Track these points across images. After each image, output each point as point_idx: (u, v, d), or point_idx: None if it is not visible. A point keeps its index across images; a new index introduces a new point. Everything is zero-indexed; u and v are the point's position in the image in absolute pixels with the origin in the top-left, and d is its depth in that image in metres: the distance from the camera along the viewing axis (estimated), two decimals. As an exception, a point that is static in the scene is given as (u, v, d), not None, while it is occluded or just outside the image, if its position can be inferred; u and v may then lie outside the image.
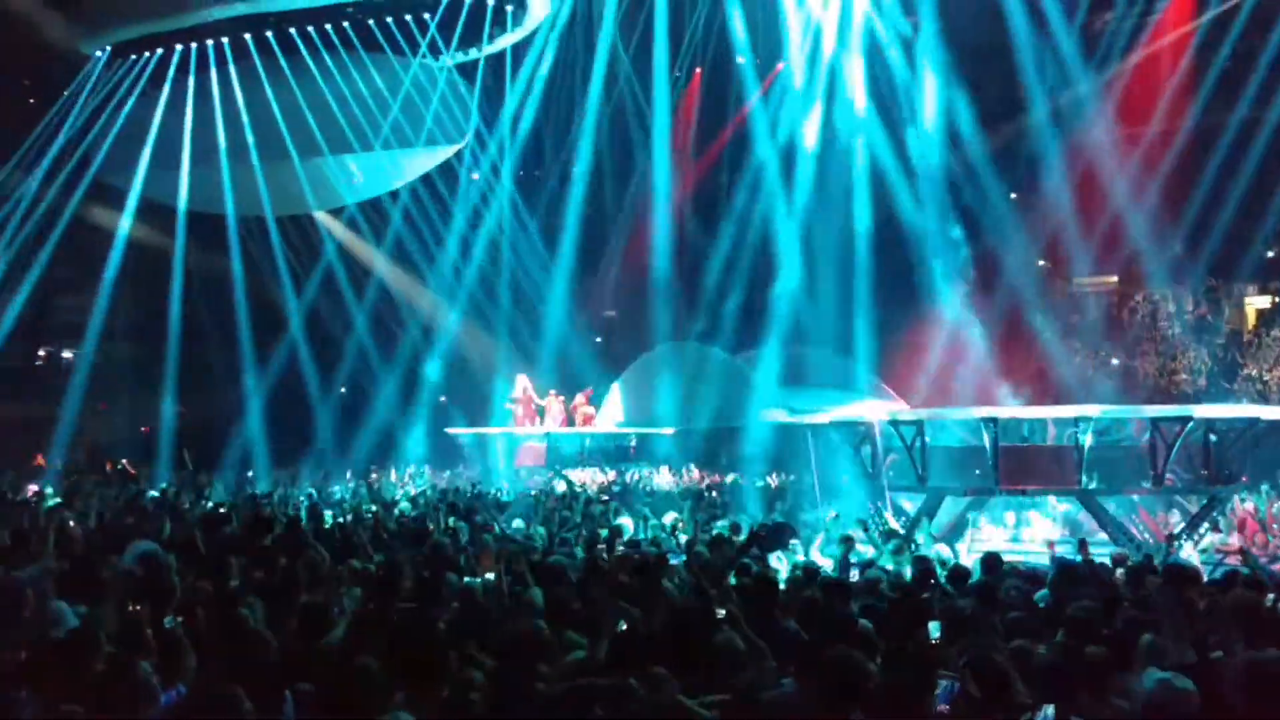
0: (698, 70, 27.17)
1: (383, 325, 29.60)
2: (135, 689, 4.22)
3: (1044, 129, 23.01)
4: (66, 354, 29.06)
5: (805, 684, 4.53)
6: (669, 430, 24.95)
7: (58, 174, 27.60)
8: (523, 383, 25.67)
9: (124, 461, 24.99)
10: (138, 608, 5.63)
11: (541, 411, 25.49)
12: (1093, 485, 13.89)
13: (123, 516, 11.42)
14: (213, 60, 27.12)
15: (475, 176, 28.99)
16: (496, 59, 27.28)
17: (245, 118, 26.55)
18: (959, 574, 8.07)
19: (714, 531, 11.96)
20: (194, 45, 27.21)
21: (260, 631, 5.41)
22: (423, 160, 27.44)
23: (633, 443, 25.89)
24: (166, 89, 27.55)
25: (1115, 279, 25.22)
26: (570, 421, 25.76)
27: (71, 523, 10.67)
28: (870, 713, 4.20)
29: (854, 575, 9.18)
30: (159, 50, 27.52)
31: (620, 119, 27.57)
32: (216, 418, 28.04)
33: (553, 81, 27.00)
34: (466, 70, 27.63)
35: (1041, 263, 25.22)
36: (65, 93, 27.96)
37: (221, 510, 12.78)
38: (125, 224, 28.06)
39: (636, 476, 22.66)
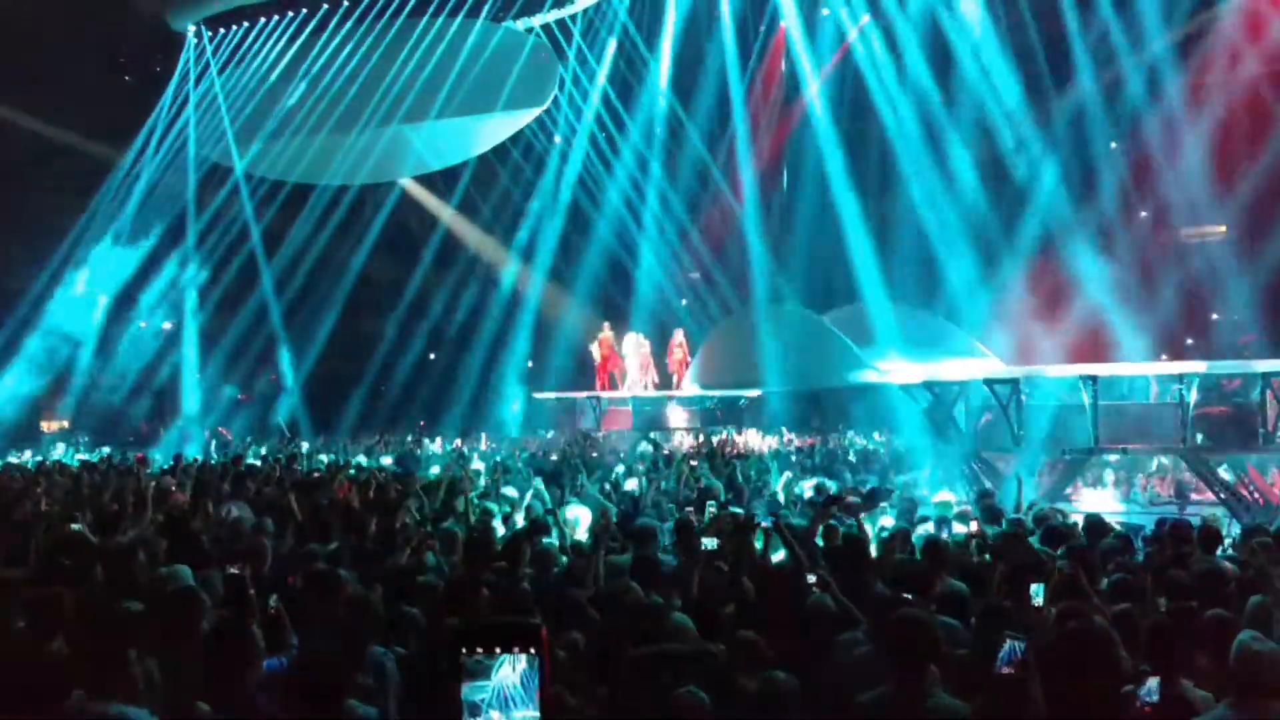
0: (782, 24, 26.56)
1: (470, 291, 29.92)
2: (244, 647, 4.27)
3: (1146, 73, 22.02)
4: (166, 324, 30.03)
5: (880, 645, 4.46)
6: (755, 392, 24.72)
7: (159, 150, 28.50)
8: (603, 347, 25.52)
9: (220, 429, 25.90)
10: (236, 571, 5.73)
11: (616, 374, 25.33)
12: (1198, 444, 13.39)
13: (220, 482, 11.73)
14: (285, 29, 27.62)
15: (558, 140, 28.98)
16: (572, 21, 27.16)
17: (329, 87, 26.89)
18: (1059, 535, 7.83)
19: (801, 494, 11.86)
20: (276, 17, 27.66)
21: (363, 595, 5.47)
22: (503, 125, 27.47)
23: (718, 406, 25.71)
24: (252, 61, 28.12)
25: (1223, 229, 24.07)
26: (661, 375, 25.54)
27: (174, 488, 11.06)
28: (953, 675, 4.10)
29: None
30: (245, 23, 28.06)
31: (705, 78, 27.18)
32: (310, 386, 28.76)
33: (632, 41, 26.79)
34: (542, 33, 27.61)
35: (1144, 214, 24.22)
36: (159, 69, 28.77)
37: (316, 475, 13.08)
38: (219, 195, 28.90)
39: (724, 439, 22.55)
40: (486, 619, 4.59)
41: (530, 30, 27.12)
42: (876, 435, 22.09)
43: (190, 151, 28.54)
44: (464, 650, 2.64)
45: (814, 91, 25.57)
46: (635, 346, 25.18)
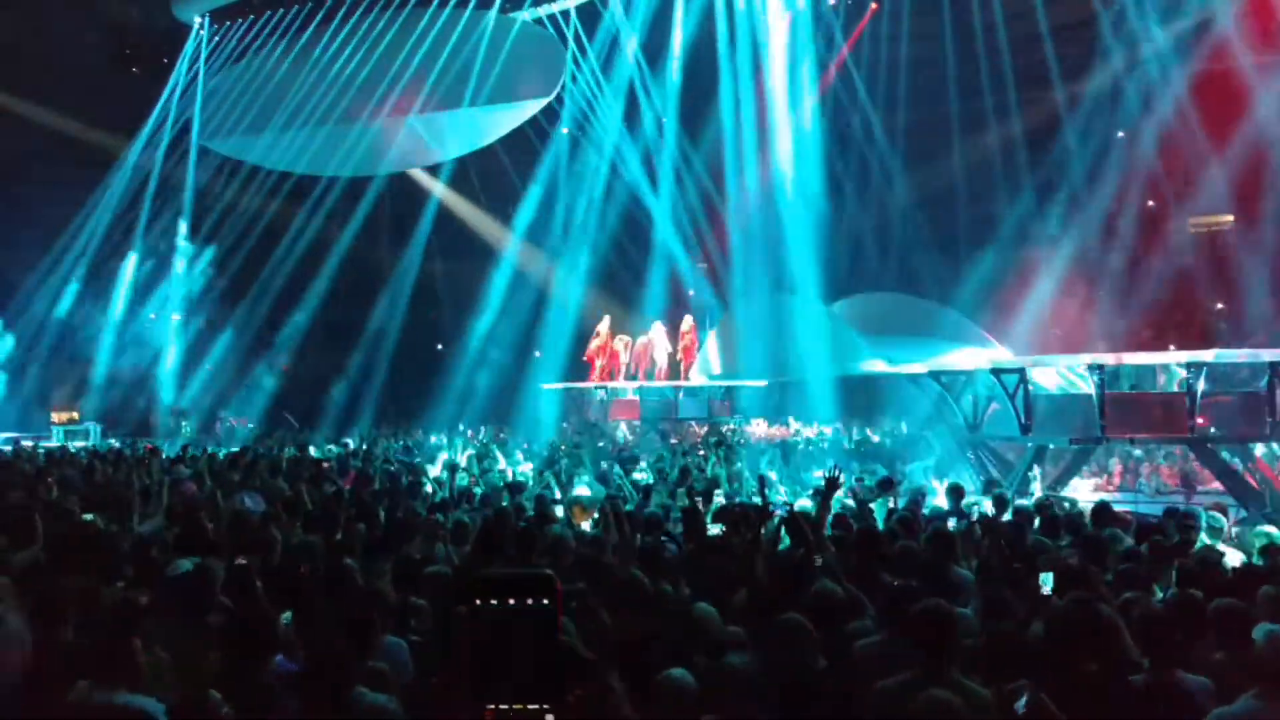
0: (788, 14, 26.41)
1: (483, 281, 29.88)
2: (260, 638, 4.26)
3: (1153, 62, 21.94)
4: (175, 316, 30.13)
5: (895, 635, 4.47)
6: (762, 382, 24.73)
7: (164, 142, 28.54)
8: (603, 330, 25.43)
9: (231, 419, 25.94)
10: (243, 561, 5.77)
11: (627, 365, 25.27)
12: (1205, 433, 13.38)
13: (229, 473, 11.75)
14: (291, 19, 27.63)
15: (565, 131, 28.89)
16: (584, 12, 27.09)
17: (336, 78, 26.86)
18: (1068, 524, 7.85)
19: (810, 481, 11.89)
20: (281, 10, 27.66)
21: (373, 586, 5.49)
22: (511, 116, 27.43)
23: (724, 396, 25.71)
24: (260, 52, 28.15)
25: (1230, 218, 23.98)
26: (673, 365, 25.46)
27: (189, 481, 11.06)
28: (965, 665, 4.11)
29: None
30: (251, 16, 28.07)
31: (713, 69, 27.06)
32: (322, 378, 28.79)
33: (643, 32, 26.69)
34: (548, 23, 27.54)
35: (1151, 203, 24.13)
36: (166, 60, 28.78)
37: (325, 465, 13.12)
38: (230, 188, 28.99)
39: (730, 429, 22.57)
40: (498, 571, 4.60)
41: (538, 20, 27.08)
42: (873, 428, 22.08)
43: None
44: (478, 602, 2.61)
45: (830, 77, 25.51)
46: (655, 337, 25.15)
